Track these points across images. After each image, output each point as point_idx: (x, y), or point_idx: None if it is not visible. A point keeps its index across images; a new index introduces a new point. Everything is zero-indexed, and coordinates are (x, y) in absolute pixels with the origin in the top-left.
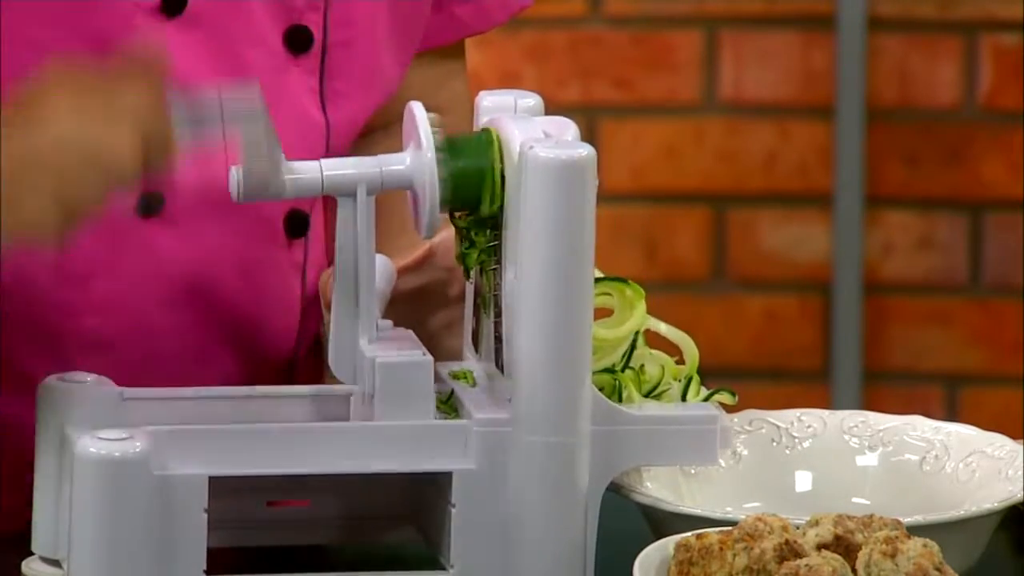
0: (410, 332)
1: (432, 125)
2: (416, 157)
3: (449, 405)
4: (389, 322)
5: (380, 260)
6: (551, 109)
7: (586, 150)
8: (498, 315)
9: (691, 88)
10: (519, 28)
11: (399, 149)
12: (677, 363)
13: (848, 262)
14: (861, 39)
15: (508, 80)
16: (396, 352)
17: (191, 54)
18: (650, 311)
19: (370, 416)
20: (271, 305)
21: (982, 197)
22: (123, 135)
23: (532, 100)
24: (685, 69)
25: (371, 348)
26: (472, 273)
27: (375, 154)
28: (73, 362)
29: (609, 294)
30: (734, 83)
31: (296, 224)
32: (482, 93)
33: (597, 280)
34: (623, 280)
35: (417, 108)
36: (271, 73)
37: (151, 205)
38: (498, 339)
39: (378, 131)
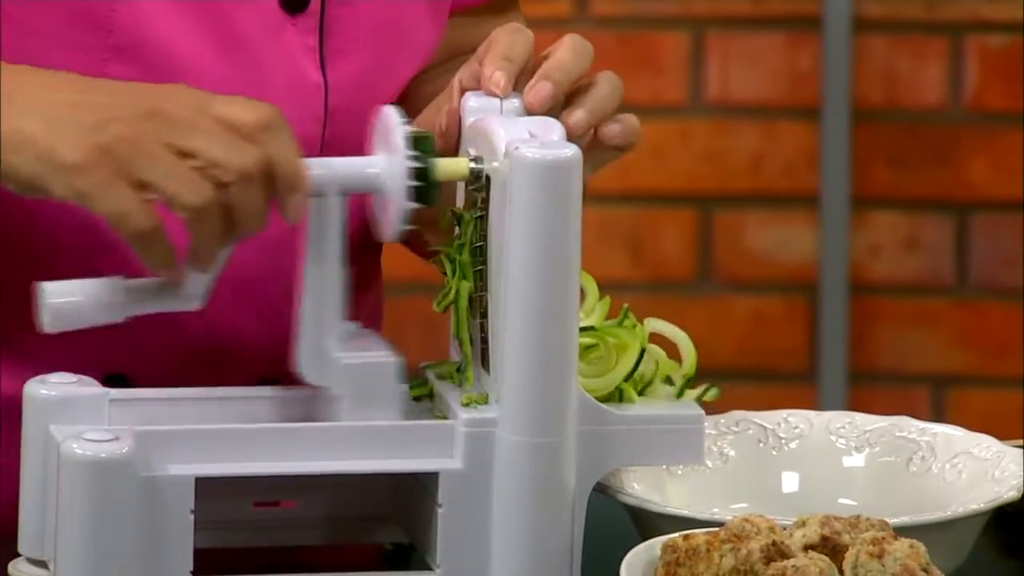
0: (377, 333)
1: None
2: (389, 163)
3: (435, 405)
4: (355, 324)
5: None
6: None
7: (572, 150)
8: (484, 315)
9: (677, 89)
10: None
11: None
12: (671, 357)
13: (834, 263)
14: (847, 40)
15: None
16: (361, 352)
17: (178, 17)
18: (636, 312)
19: (339, 417)
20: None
21: (968, 198)
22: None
23: (517, 101)
24: (671, 70)
25: (337, 348)
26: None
27: (429, 89)
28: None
29: (596, 341)
30: (720, 84)
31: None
32: (468, 94)
33: (583, 329)
34: (614, 322)
35: (392, 113)
36: (265, 33)
37: None
38: (484, 339)
39: (437, 67)
